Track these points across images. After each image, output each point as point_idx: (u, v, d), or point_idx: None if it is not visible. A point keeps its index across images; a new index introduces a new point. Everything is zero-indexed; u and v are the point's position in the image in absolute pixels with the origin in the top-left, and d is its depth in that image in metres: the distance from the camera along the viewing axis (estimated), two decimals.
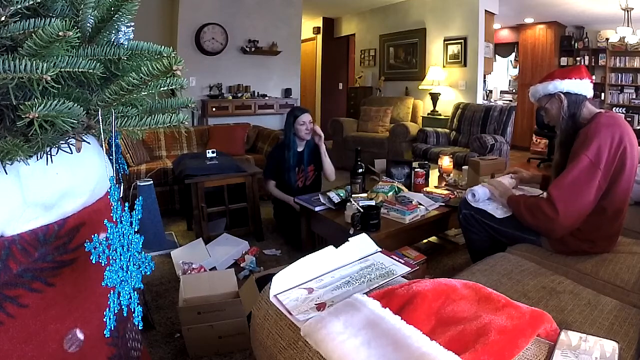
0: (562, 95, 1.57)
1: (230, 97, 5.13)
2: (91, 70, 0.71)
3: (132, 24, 0.88)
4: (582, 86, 1.57)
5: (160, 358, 1.68)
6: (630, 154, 1.50)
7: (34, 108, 0.62)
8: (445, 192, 2.46)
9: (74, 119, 0.69)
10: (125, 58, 0.82)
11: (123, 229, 0.76)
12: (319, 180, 2.99)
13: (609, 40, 6.35)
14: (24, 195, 0.78)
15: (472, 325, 0.73)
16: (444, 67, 5.52)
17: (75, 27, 0.65)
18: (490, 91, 7.93)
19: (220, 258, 2.46)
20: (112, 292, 0.74)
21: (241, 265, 2.44)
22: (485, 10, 5.21)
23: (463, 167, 2.88)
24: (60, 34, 0.61)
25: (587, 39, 6.76)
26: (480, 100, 5.35)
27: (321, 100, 7.63)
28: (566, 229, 1.53)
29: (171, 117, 0.84)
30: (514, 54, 7.74)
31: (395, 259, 1.07)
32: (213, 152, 3.22)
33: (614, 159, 1.47)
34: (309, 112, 2.87)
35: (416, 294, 0.81)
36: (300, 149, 2.86)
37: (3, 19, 0.67)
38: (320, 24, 7.54)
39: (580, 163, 1.46)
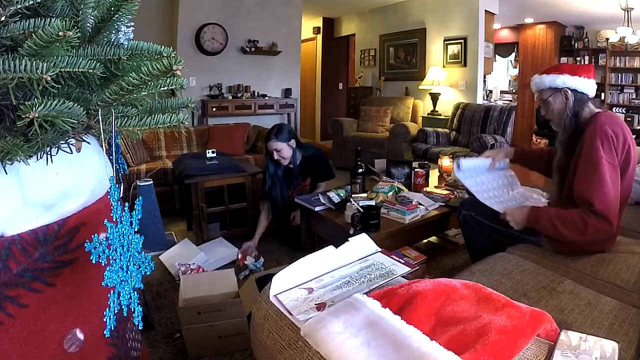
0: (569, 92, 1.55)
1: (230, 97, 5.13)
2: (91, 70, 0.71)
3: (132, 24, 0.88)
4: (589, 86, 1.55)
5: (160, 358, 1.68)
6: (633, 152, 1.50)
7: (34, 108, 0.62)
8: (445, 192, 2.46)
9: (74, 119, 0.69)
10: (125, 58, 0.82)
11: (123, 229, 0.76)
12: (313, 188, 2.90)
13: (609, 40, 6.35)
14: (24, 195, 0.78)
15: (472, 325, 0.73)
16: (444, 67, 5.52)
17: (75, 27, 0.65)
18: (490, 91, 7.93)
19: (208, 260, 2.46)
20: (112, 292, 0.74)
21: (243, 263, 2.45)
22: (485, 10, 5.21)
23: None
24: (60, 34, 0.61)
25: (587, 39, 6.76)
26: (480, 100, 5.35)
27: (321, 100, 7.63)
28: (615, 231, 1.52)
29: (171, 117, 0.84)
30: (514, 54, 7.75)
31: (395, 259, 1.07)
32: (213, 152, 3.22)
33: (621, 157, 1.47)
34: (278, 138, 2.59)
35: (416, 294, 0.81)
36: (292, 166, 2.74)
37: (3, 19, 0.67)
38: (320, 24, 7.54)
39: (603, 168, 1.43)
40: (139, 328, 0.80)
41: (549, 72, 1.60)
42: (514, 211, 1.67)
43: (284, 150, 2.63)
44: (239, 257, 2.52)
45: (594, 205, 1.44)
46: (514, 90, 7.88)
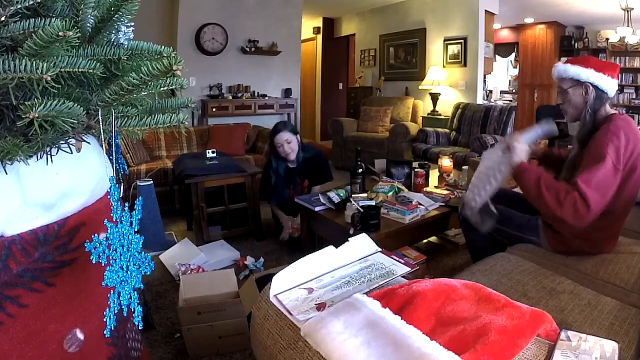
0: (591, 87, 1.52)
1: (230, 97, 5.13)
2: (91, 70, 0.71)
3: (132, 24, 0.88)
4: (611, 85, 1.53)
5: (160, 358, 1.68)
6: None
7: (34, 108, 0.62)
8: (445, 192, 2.46)
9: (74, 119, 0.69)
10: (125, 58, 0.82)
11: (123, 229, 0.76)
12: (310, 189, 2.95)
13: (609, 40, 6.36)
14: (24, 195, 0.78)
15: (472, 325, 0.73)
16: (444, 67, 5.52)
17: (75, 27, 0.65)
18: (490, 91, 7.93)
19: (209, 261, 2.47)
20: (112, 292, 0.74)
21: (243, 263, 2.45)
22: (485, 10, 5.21)
23: (463, 167, 2.88)
24: (60, 34, 0.61)
25: (587, 39, 6.76)
26: (480, 100, 5.35)
27: (321, 100, 7.63)
28: (585, 225, 1.46)
29: (171, 117, 0.84)
30: (514, 54, 7.75)
31: (395, 259, 1.07)
32: (213, 152, 3.22)
33: (628, 162, 1.46)
34: (288, 130, 2.66)
35: (416, 294, 0.81)
36: (292, 165, 2.77)
37: (3, 19, 0.67)
38: (320, 24, 7.53)
39: (606, 164, 1.41)
40: (139, 328, 0.80)
41: (575, 62, 1.57)
42: (520, 145, 1.60)
43: (294, 142, 2.66)
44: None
45: (577, 183, 1.41)
46: (514, 90, 7.88)
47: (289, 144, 2.65)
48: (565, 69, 1.57)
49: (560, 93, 1.63)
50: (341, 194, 2.31)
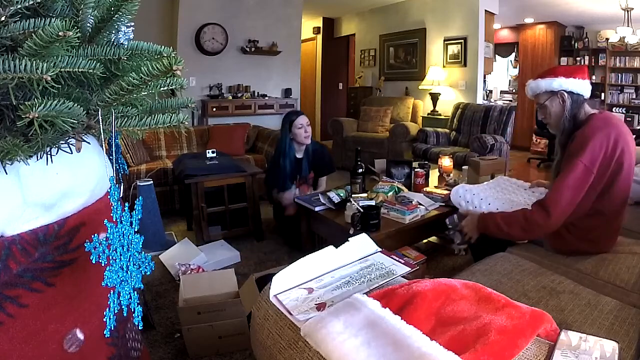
0: (566, 94, 1.56)
1: (230, 97, 5.13)
2: (91, 70, 0.71)
3: (132, 24, 0.88)
4: (584, 87, 1.56)
5: (160, 358, 1.68)
6: (628, 154, 1.50)
7: (34, 108, 0.62)
8: (445, 192, 2.45)
9: (74, 119, 0.69)
10: (125, 58, 0.82)
11: (123, 229, 0.76)
12: (316, 181, 2.98)
13: (609, 40, 6.35)
14: (24, 195, 0.78)
15: (472, 325, 0.73)
16: (444, 67, 5.52)
17: (75, 27, 0.65)
18: (490, 91, 7.93)
19: (208, 261, 2.46)
20: (112, 292, 0.74)
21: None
22: (485, 10, 5.21)
23: (463, 167, 2.88)
24: (60, 34, 0.61)
25: (587, 39, 6.76)
26: (480, 100, 5.35)
27: (321, 100, 7.63)
28: (555, 227, 1.54)
29: (171, 117, 0.84)
30: (514, 54, 7.74)
31: (395, 259, 1.07)
32: (213, 152, 3.23)
33: (610, 161, 1.47)
34: (304, 114, 2.79)
35: (416, 294, 0.81)
36: (299, 156, 2.79)
37: (3, 19, 0.67)
38: (320, 24, 7.53)
39: (575, 169, 1.46)
40: (139, 328, 0.80)
41: (544, 75, 1.61)
42: (467, 222, 1.75)
43: (309, 126, 2.74)
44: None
45: (544, 199, 1.52)
46: (514, 90, 7.88)
47: (309, 126, 2.75)
48: (537, 84, 1.62)
49: (539, 109, 1.67)
50: (341, 194, 2.31)
